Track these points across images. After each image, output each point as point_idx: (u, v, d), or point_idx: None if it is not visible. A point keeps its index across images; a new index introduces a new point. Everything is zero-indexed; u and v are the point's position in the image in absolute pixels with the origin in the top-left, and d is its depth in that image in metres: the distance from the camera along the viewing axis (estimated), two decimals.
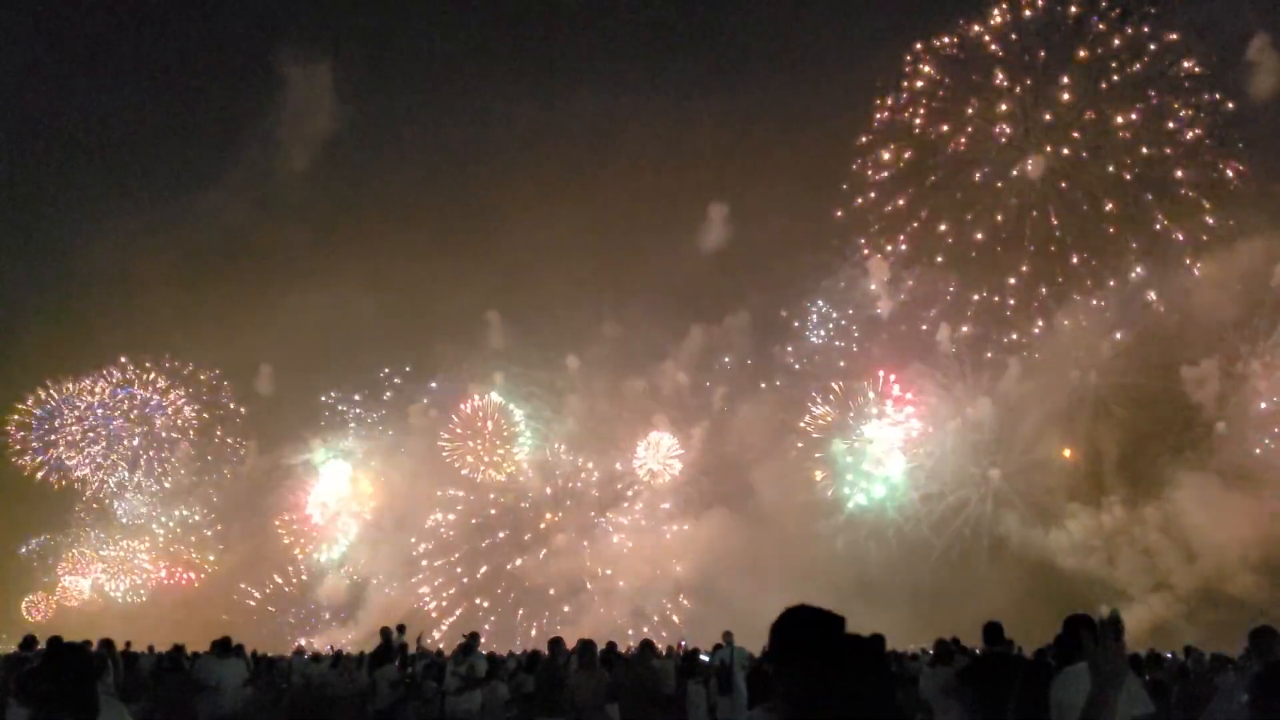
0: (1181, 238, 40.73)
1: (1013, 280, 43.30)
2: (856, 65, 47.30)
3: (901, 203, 45.00)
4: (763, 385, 47.98)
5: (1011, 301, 43.32)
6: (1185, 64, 41.39)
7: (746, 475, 45.65)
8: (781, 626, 2.92)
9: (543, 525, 48.12)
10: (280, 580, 50.93)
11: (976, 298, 43.40)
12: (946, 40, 44.77)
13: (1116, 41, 42.21)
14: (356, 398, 52.32)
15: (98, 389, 53.86)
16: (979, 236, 43.55)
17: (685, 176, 51.63)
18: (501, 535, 48.46)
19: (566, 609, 45.48)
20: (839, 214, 45.71)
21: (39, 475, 52.45)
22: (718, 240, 48.04)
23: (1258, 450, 37.45)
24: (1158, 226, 41.23)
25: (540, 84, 55.63)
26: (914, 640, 28.78)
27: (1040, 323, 42.55)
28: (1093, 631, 6.31)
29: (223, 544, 52.93)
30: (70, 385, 53.13)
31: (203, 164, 58.35)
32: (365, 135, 56.40)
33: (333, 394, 52.09)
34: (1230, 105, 40.31)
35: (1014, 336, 43.05)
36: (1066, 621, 6.71)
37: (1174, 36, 41.40)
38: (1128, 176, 41.67)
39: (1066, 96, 42.40)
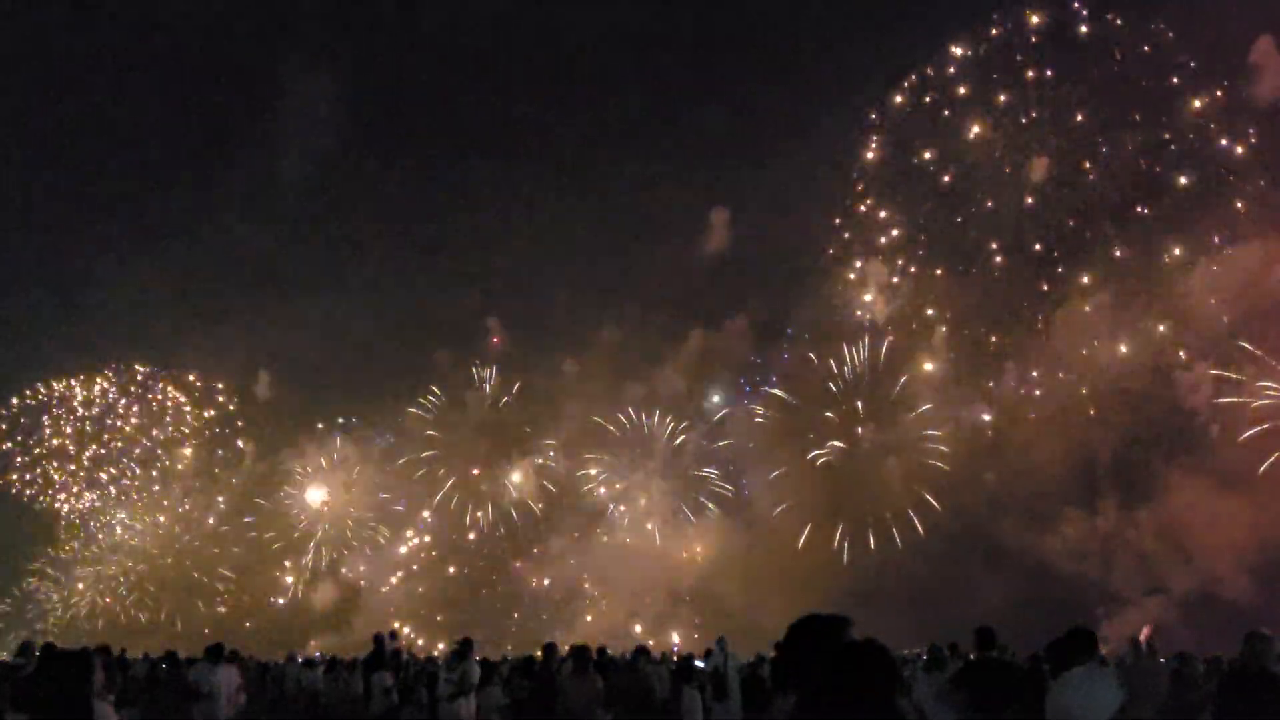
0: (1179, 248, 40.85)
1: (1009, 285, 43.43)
2: (860, 70, 47.54)
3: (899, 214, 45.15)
4: (759, 391, 47.99)
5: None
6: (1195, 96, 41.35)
7: (743, 480, 45.66)
8: (792, 635, 3.00)
9: (540, 535, 48.11)
10: (275, 585, 50.82)
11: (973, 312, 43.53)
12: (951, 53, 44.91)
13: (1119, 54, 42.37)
14: (354, 419, 52.22)
15: (94, 392, 53.81)
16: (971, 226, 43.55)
17: (685, 182, 51.73)
18: (498, 540, 48.45)
19: (562, 614, 45.43)
20: (830, 250, 45.87)
21: (27, 494, 52.38)
22: (718, 245, 48.19)
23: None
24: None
25: (540, 90, 55.75)
26: (910, 645, 28.77)
27: (1037, 327, 42.65)
28: (1095, 644, 6.36)
29: (218, 549, 52.78)
30: (62, 386, 52.93)
31: (203, 171, 58.39)
32: (364, 142, 56.53)
33: (320, 425, 51.86)
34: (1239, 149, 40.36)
35: (1010, 341, 43.16)
36: (1070, 631, 6.72)
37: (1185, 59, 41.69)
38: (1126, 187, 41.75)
39: (1080, 117, 42.41)
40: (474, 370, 50.07)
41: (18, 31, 53.67)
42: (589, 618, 44.86)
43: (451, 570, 48.65)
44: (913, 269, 44.88)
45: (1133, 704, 3.21)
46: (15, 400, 53.14)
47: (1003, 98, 43.84)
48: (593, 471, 48.30)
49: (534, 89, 56.39)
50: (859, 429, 44.21)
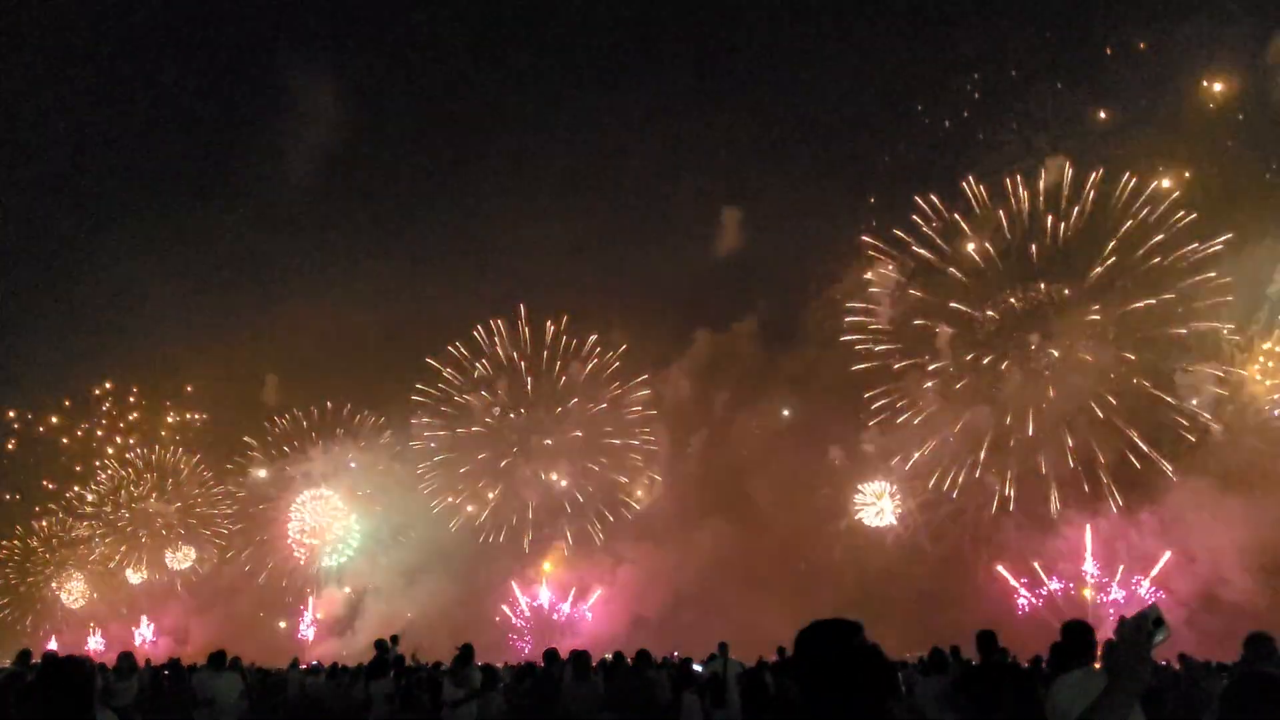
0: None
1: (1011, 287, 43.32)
2: (871, 73, 47.32)
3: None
4: (761, 399, 47.85)
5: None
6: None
7: (746, 483, 45.68)
8: (801, 641, 3.03)
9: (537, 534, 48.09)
10: (277, 591, 50.86)
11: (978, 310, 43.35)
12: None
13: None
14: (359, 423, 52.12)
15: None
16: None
17: (692, 184, 51.44)
18: (500, 544, 48.47)
19: (562, 618, 45.42)
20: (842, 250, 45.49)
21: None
22: (729, 246, 48.00)
23: None
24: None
25: (547, 91, 55.37)
26: (914, 648, 28.74)
27: (1037, 334, 42.55)
28: (1092, 645, 6.35)
29: (224, 555, 52.84)
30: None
31: (207, 174, 58.28)
32: (370, 144, 56.19)
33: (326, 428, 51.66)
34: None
35: (1013, 343, 43.06)
36: (1064, 628, 6.73)
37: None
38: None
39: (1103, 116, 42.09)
40: (479, 367, 49.96)
41: (17, 33, 53.78)
42: (592, 621, 44.84)
43: (454, 574, 48.63)
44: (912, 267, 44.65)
45: (1112, 684, 3.08)
46: (13, 412, 53.45)
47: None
48: (596, 472, 48.37)
49: (542, 87, 55.86)
50: (862, 433, 44.20)
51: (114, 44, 58.88)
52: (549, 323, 48.29)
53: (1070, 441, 40.62)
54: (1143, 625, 2.97)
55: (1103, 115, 42.27)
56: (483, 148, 54.80)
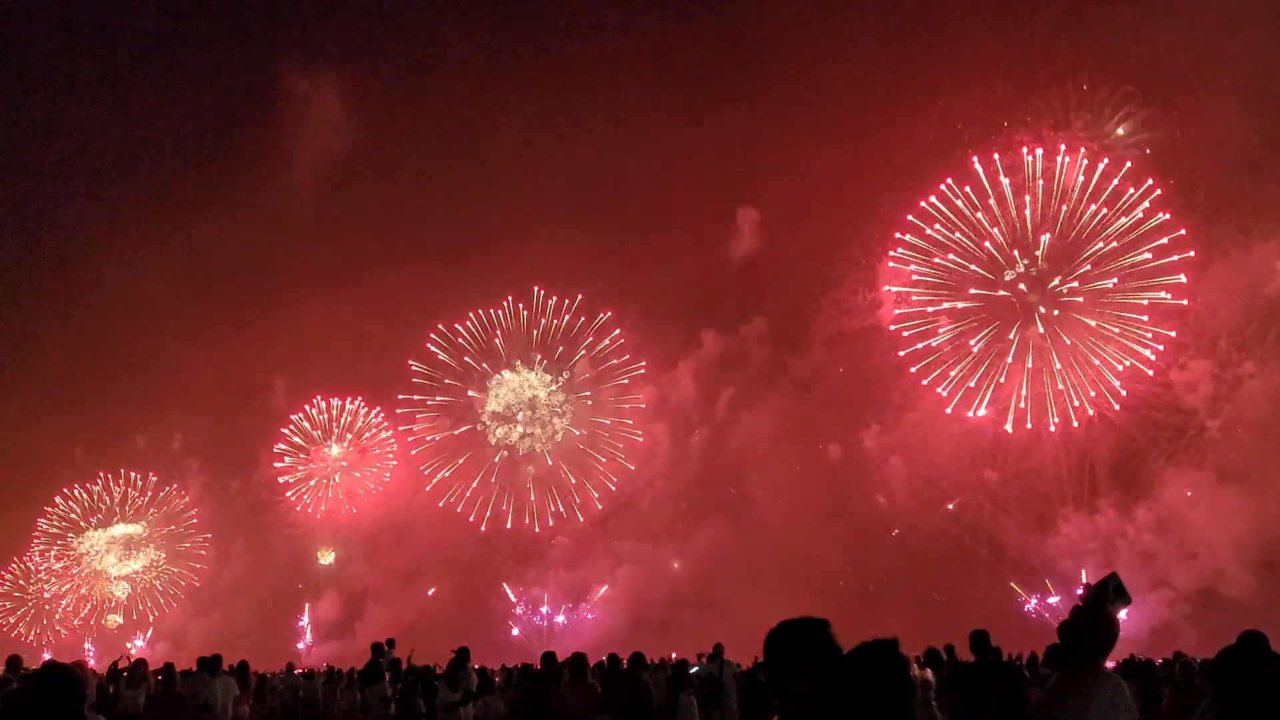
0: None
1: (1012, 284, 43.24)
2: (883, 73, 47.13)
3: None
4: (765, 400, 47.77)
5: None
6: None
7: (746, 483, 45.71)
8: (771, 643, 3.01)
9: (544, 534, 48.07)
10: (276, 593, 50.86)
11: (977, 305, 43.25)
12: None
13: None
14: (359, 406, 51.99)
15: None
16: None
17: (699, 185, 51.21)
18: (500, 545, 48.47)
19: (563, 620, 45.43)
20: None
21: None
22: (741, 247, 47.86)
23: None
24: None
25: (556, 92, 54.97)
26: (914, 647, 28.76)
27: (1040, 327, 42.50)
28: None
29: (225, 559, 52.83)
30: None
31: (212, 181, 58.00)
32: (375, 147, 55.81)
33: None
34: None
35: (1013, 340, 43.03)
36: (1060, 628, 6.72)
37: None
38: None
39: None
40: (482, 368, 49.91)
41: (19, 34, 53.74)
42: (593, 621, 44.83)
43: (456, 572, 48.69)
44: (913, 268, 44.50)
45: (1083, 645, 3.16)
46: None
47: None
48: (598, 472, 48.33)
49: (550, 89, 55.32)
50: (862, 432, 44.23)
51: (118, 46, 58.80)
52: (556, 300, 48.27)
53: (1070, 439, 40.71)
54: (1105, 591, 3.09)
55: (1109, 112, 42.16)
56: (489, 151, 54.24)
